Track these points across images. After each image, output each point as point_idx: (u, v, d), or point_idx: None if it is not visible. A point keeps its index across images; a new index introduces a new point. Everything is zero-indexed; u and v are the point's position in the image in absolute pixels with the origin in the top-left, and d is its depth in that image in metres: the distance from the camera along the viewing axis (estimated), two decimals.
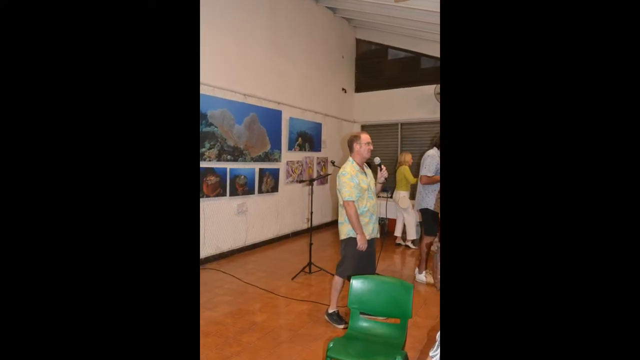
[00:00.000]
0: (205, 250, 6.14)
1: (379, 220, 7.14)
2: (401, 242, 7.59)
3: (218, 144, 6.22)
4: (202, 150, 5.97)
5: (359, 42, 10.67)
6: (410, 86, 9.76)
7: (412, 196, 7.34)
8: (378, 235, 3.94)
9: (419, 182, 5.25)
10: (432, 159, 5.03)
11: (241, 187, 6.74)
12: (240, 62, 6.68)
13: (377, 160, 3.92)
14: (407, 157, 7.44)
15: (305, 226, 8.64)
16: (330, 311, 3.96)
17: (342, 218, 3.79)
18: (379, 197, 4.05)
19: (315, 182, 8.64)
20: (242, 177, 6.75)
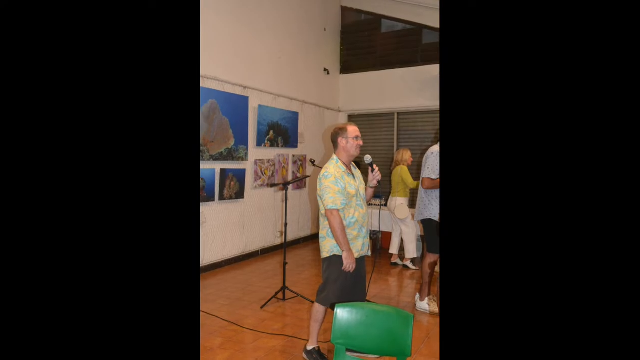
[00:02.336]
0: None
1: (371, 234, 7.16)
2: (398, 261, 7.63)
3: None
4: None
5: (345, 10, 10.71)
6: (409, 66, 9.84)
7: (412, 204, 7.39)
8: (369, 253, 3.94)
9: (420, 187, 5.28)
10: (436, 158, 5.07)
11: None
12: None
13: (367, 159, 3.92)
14: (406, 155, 7.47)
15: (278, 241, 8.63)
16: (309, 348, 3.96)
17: (325, 231, 3.78)
18: (370, 205, 4.06)
19: (290, 187, 8.63)
20: (199, 179, 6.72)
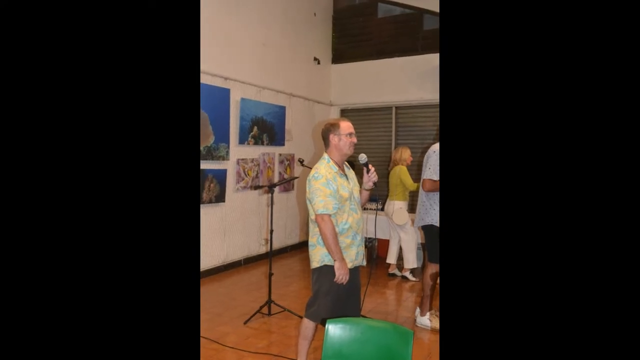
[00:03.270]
0: None
1: (366, 241, 7.16)
2: (396, 271, 7.64)
3: None
4: None
5: None
6: (408, 55, 9.85)
7: (412, 208, 7.39)
8: (364, 263, 3.94)
9: (420, 189, 5.29)
10: (438, 157, 5.08)
11: None
12: None
13: (362, 158, 3.92)
14: (405, 154, 7.48)
15: (262, 250, 8.63)
16: None
17: (315, 239, 3.78)
18: (365, 209, 4.06)
19: (276, 189, 8.61)
20: None
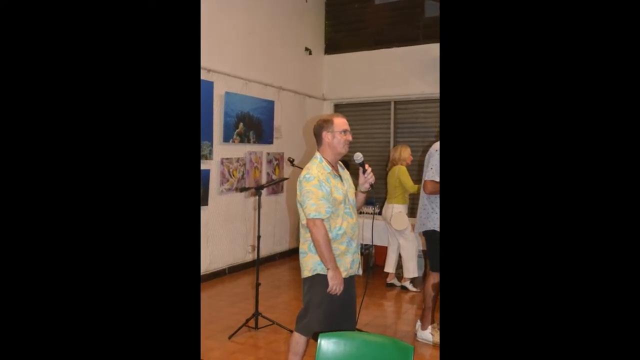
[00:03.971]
0: None
1: (362, 248, 7.17)
2: (395, 281, 7.64)
3: None
4: None
5: None
6: (408, 45, 9.86)
7: (412, 212, 7.39)
8: (360, 272, 3.94)
9: (421, 191, 5.29)
10: None
11: None
12: None
13: (358, 157, 3.91)
14: (405, 153, 7.47)
15: (249, 258, 8.62)
16: None
17: (306, 245, 3.78)
18: (361, 213, 4.06)
19: (264, 191, 8.61)
20: None
